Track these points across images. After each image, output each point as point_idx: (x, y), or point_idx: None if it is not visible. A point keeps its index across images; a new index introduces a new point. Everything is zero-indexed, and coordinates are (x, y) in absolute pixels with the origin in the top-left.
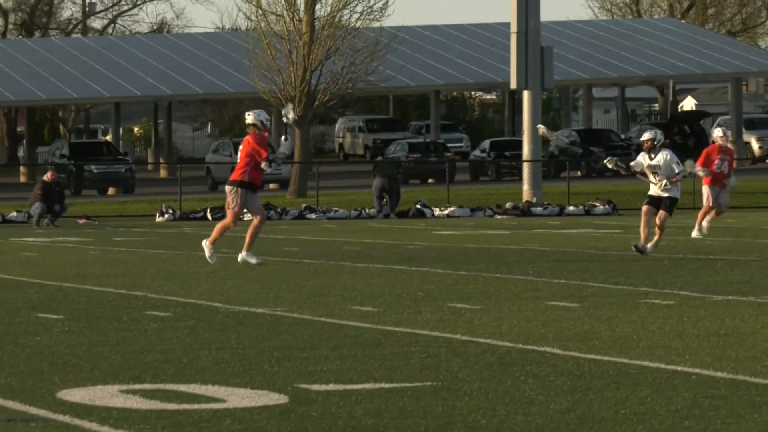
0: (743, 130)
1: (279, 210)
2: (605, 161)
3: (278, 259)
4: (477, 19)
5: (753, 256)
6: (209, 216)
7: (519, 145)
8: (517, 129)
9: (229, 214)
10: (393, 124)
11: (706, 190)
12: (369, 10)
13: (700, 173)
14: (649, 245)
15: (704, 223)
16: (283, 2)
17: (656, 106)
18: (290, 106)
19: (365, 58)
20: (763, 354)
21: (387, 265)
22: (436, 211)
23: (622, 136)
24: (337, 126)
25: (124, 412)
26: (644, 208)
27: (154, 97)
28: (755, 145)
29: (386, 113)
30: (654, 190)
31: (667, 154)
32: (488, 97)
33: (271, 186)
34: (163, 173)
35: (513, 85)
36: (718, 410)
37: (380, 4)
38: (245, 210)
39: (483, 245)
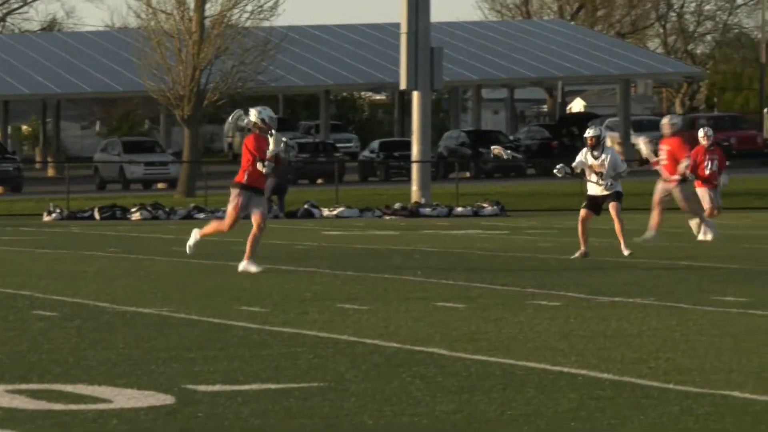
0: (631, 132)
1: (167, 210)
2: (555, 170)
3: (166, 259)
4: (368, 20)
5: (639, 258)
6: (97, 215)
7: (408, 145)
8: (406, 130)
9: (228, 215)
10: (282, 123)
11: (700, 192)
12: (259, 9)
13: (687, 175)
14: (623, 249)
15: (691, 223)
16: (173, 1)
17: (545, 108)
18: (239, 112)
19: (255, 58)
20: (649, 356)
21: (275, 265)
22: (325, 212)
23: (511, 138)
24: (226, 125)
25: (10, 412)
26: (582, 213)
27: (42, 96)
28: (643, 148)
29: (276, 113)
30: (594, 190)
31: (611, 152)
32: (378, 97)
33: (160, 186)
34: (51, 172)
35: (402, 86)
36: (604, 411)
37: (270, 4)
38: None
39: (371, 246)
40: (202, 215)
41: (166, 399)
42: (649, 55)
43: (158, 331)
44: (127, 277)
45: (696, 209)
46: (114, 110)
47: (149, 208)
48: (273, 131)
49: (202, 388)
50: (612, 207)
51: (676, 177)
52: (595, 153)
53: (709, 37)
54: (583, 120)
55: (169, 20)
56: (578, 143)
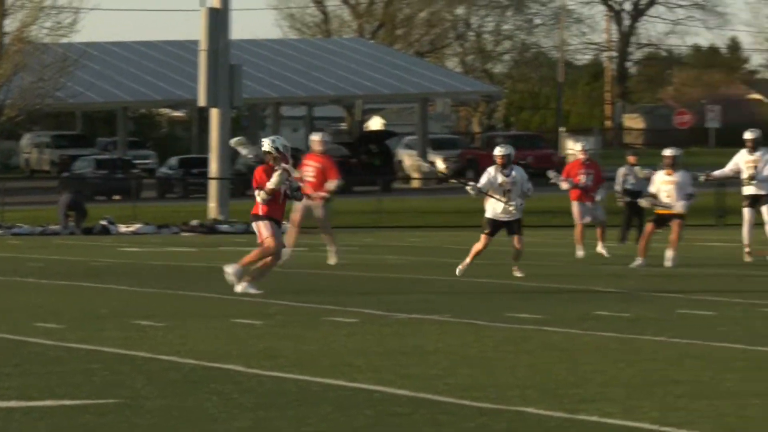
0: (429, 150)
1: None
2: (468, 189)
3: None
4: (167, 36)
5: (437, 276)
6: None
7: (207, 162)
8: (205, 146)
9: (267, 242)
10: (80, 140)
11: (575, 206)
12: (58, 26)
13: (564, 185)
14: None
15: (599, 249)
16: None
17: (344, 126)
18: (242, 139)
19: (54, 74)
20: (445, 372)
21: (72, 281)
22: (122, 228)
23: None
24: (23, 141)
25: None
26: (484, 239)
27: None
28: (441, 165)
29: (74, 129)
30: (497, 212)
31: (521, 171)
32: (177, 114)
33: None
34: None
35: (201, 103)
36: (401, 427)
37: (69, 20)
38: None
39: (169, 262)
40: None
41: None
42: (448, 74)
43: None
44: None
45: (329, 231)
46: None
47: None
48: (280, 166)
49: None
50: (516, 242)
51: (323, 194)
52: (506, 171)
53: (507, 57)
54: (381, 138)
55: None
56: (376, 161)
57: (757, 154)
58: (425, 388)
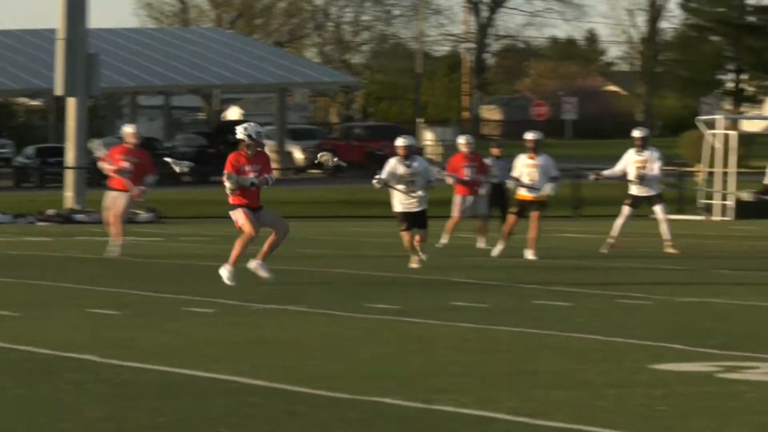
0: (288, 140)
1: None
2: (374, 182)
3: None
4: (24, 25)
5: (294, 265)
6: None
7: (63, 151)
8: (62, 136)
9: (243, 228)
10: None
11: (457, 199)
12: None
13: (449, 180)
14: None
15: (480, 244)
16: None
17: (202, 115)
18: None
19: None
20: (302, 362)
21: None
22: None
23: (167, 145)
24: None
25: None
26: (407, 237)
27: None
28: (299, 156)
29: None
30: (405, 204)
31: (422, 161)
32: (34, 103)
33: None
34: None
35: (58, 92)
36: (256, 418)
37: None
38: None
39: (25, 252)
40: None
41: None
42: (306, 64)
43: None
44: None
45: (121, 224)
46: None
47: None
48: (257, 181)
49: None
50: (419, 237)
51: (142, 188)
52: (407, 162)
53: (366, 47)
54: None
55: None
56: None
57: (646, 153)
58: (281, 378)
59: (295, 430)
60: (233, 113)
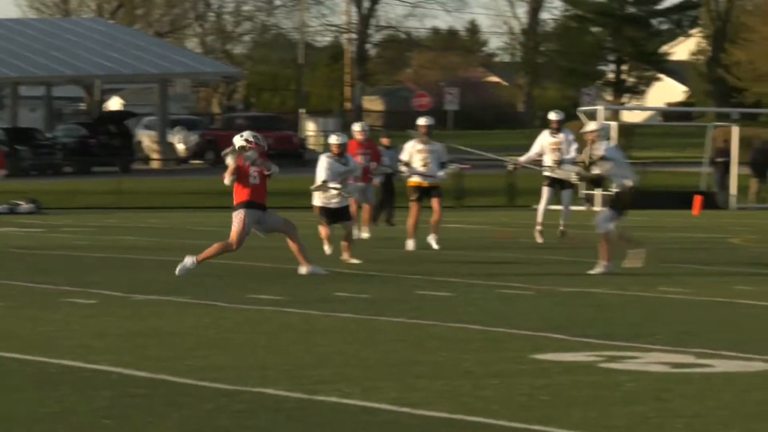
0: (169, 130)
1: None
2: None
3: None
4: None
5: (176, 256)
6: None
7: None
8: None
9: (231, 235)
10: None
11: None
12: None
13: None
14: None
15: (364, 234)
16: None
17: (83, 106)
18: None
19: None
20: (185, 353)
21: None
22: None
23: (48, 135)
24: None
25: None
26: (325, 230)
27: None
28: (180, 146)
29: None
30: (325, 199)
31: (351, 158)
32: None
33: None
34: None
35: None
36: (139, 409)
37: None
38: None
39: None
40: None
41: None
42: (188, 54)
43: None
44: None
45: None
46: None
47: None
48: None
49: None
50: (345, 228)
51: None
52: (342, 160)
53: (247, 38)
54: (120, 118)
55: None
56: (116, 141)
57: (561, 135)
58: (164, 369)
59: (179, 421)
60: (114, 104)
